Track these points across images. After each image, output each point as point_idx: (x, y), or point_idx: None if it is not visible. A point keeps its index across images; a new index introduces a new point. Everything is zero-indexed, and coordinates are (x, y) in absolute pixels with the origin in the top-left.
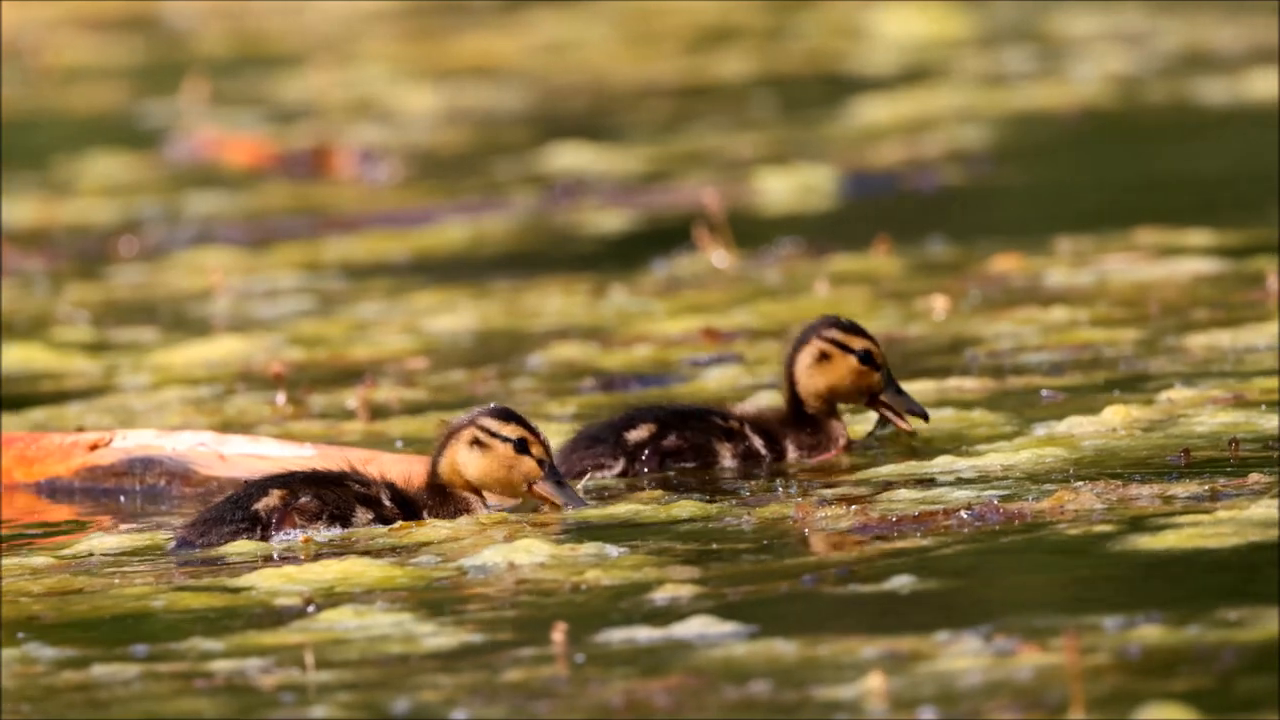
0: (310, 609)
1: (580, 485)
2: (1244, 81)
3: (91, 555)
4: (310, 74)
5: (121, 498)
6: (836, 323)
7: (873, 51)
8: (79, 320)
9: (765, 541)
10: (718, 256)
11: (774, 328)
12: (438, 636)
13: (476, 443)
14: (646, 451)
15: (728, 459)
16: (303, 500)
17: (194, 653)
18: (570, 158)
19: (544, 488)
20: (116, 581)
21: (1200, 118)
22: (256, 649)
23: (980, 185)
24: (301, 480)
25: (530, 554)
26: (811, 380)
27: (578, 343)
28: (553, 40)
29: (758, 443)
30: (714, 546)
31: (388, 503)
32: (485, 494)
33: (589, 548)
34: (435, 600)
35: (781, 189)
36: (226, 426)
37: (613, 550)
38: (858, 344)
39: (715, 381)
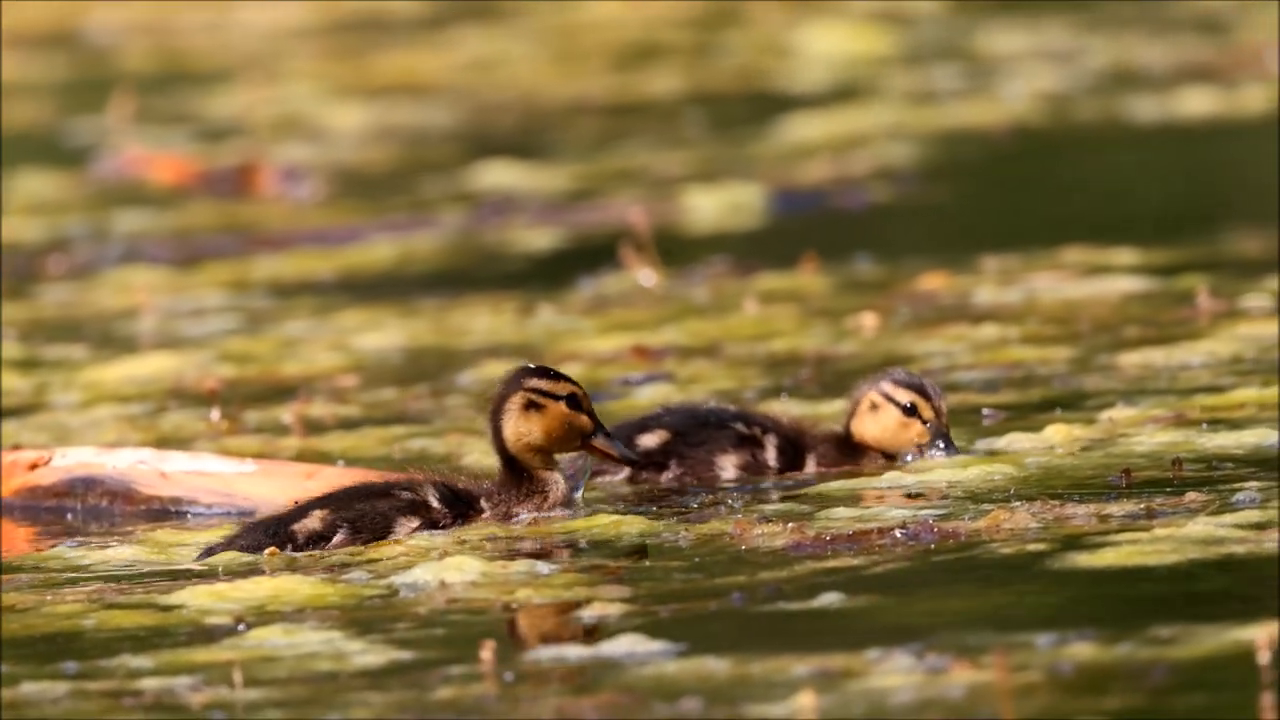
0: (241, 627)
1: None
2: (1172, 99)
3: (23, 573)
4: (236, 91)
5: (69, 515)
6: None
7: (801, 69)
8: (7, 338)
9: (698, 559)
10: (644, 275)
11: (703, 346)
12: (367, 654)
13: (531, 405)
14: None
15: (729, 469)
16: (339, 538)
17: (123, 670)
18: (498, 175)
19: (601, 441)
20: (48, 599)
21: (1129, 135)
22: (186, 667)
23: (908, 203)
24: (344, 497)
25: (461, 572)
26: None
27: (508, 360)
28: (479, 57)
29: (770, 453)
30: (646, 564)
31: (436, 504)
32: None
33: (520, 565)
34: (365, 618)
35: (710, 207)
36: (162, 443)
37: (544, 568)
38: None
39: (648, 400)
